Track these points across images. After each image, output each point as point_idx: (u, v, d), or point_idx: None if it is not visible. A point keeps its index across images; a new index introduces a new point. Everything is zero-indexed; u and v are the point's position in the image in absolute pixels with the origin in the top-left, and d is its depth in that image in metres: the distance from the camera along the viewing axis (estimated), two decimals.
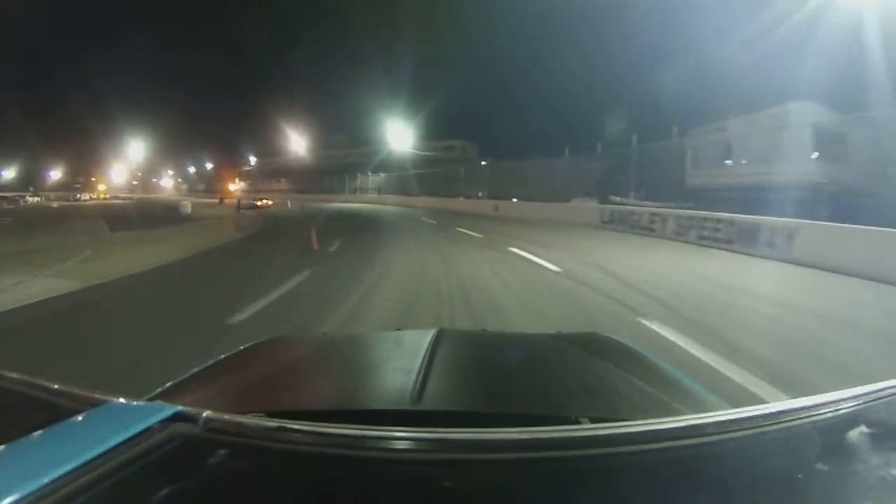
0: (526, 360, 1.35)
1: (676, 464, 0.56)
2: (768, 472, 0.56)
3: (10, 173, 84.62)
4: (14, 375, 0.71)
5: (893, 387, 0.68)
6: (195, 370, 1.18)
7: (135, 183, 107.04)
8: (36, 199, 60.66)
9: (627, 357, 1.38)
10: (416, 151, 42.53)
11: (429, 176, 35.80)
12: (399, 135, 43.53)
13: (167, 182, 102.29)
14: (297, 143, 61.99)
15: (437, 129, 45.33)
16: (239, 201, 34.40)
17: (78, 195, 70.41)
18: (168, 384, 1.05)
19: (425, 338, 1.25)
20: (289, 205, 38.41)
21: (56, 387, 0.68)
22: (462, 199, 29.97)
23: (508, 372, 1.22)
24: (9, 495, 0.42)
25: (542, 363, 1.34)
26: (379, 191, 42.59)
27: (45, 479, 0.44)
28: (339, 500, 0.52)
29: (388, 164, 43.08)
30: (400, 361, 1.21)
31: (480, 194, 28.78)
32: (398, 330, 2.07)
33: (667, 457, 0.57)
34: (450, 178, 32.21)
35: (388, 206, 36.66)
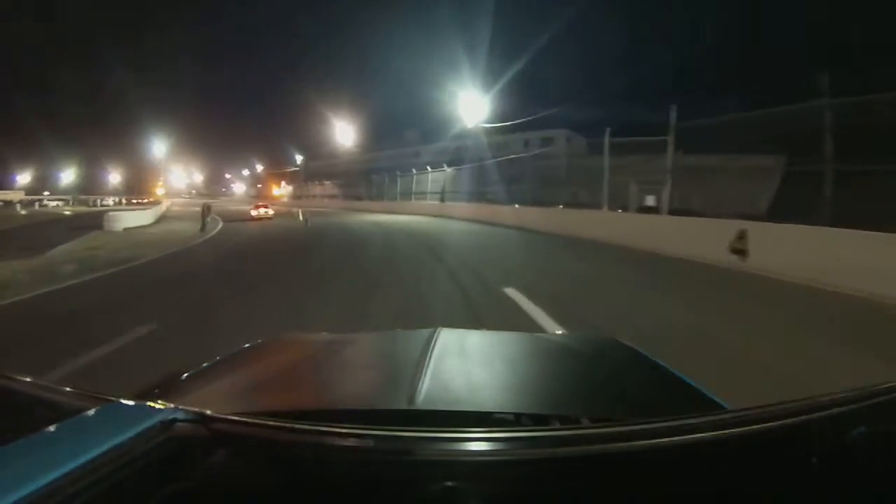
0: (526, 360, 1.37)
1: (676, 464, 0.57)
2: (768, 472, 0.56)
3: (68, 177, 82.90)
4: (14, 376, 0.72)
5: (893, 387, 0.68)
6: (195, 370, 1.21)
7: (194, 188, 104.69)
8: (56, 203, 55.31)
9: (628, 357, 1.41)
10: (495, 124, 27.08)
11: (522, 168, 20.54)
12: (473, 112, 28.39)
13: (239, 186, 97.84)
14: (346, 138, 49.42)
15: (523, 115, 29.76)
16: (205, 210, 21.74)
17: (98, 200, 63.90)
18: (168, 384, 1.09)
19: (425, 337, 1.28)
20: (300, 216, 24.69)
21: (56, 387, 0.70)
22: (589, 210, 14.38)
23: (509, 372, 1.23)
24: (9, 495, 0.43)
25: (543, 363, 1.34)
26: (442, 195, 27.61)
27: (45, 479, 0.45)
28: (339, 499, 0.53)
29: (458, 159, 28.10)
30: (400, 361, 1.28)
31: (651, 202, 12.71)
32: (398, 330, 2.13)
33: (667, 457, 0.58)
34: (564, 179, 16.62)
35: (456, 220, 21.91)
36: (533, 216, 17.46)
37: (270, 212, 27.56)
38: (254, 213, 27.12)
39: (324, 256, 11.49)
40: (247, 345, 1.51)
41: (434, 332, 1.33)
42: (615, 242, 11.59)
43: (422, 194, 30.35)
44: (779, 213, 8.80)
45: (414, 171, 31.46)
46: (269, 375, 1.22)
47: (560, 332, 1.82)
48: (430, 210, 27.73)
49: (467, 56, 28.51)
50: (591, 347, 1.52)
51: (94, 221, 20.84)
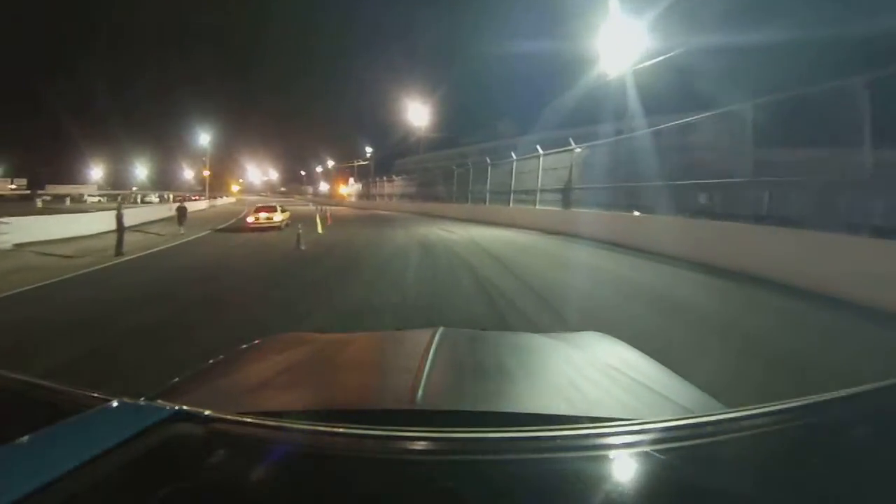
0: (526, 360, 1.37)
1: (676, 463, 0.58)
2: (768, 472, 0.57)
3: (142, 172, 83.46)
4: (14, 375, 0.73)
5: (893, 387, 0.70)
6: (195, 370, 1.23)
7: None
8: (99, 198, 52.11)
9: (627, 358, 1.41)
10: (654, 59, 15.45)
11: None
12: (615, 53, 16.74)
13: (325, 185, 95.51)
14: (424, 126, 39.75)
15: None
16: (120, 222, 13.04)
17: (139, 196, 60.86)
18: (168, 384, 1.09)
19: (426, 338, 1.29)
20: (318, 226, 14.56)
21: (56, 387, 0.71)
22: None
23: (508, 372, 1.23)
24: (9, 495, 0.43)
25: (543, 363, 1.35)
26: (565, 194, 16.12)
27: (45, 479, 0.46)
28: (339, 499, 0.53)
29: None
30: (400, 361, 1.27)
31: None
32: (399, 330, 2.13)
33: (666, 457, 0.58)
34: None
35: (591, 245, 10.75)
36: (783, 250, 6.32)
37: (277, 217, 18.46)
38: (250, 220, 18.48)
39: None
40: (246, 345, 1.51)
41: (434, 332, 1.34)
42: None
43: (527, 193, 19.09)
44: None
45: (513, 155, 20.23)
46: (269, 375, 1.20)
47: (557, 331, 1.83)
48: (542, 221, 16.53)
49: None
50: (589, 347, 1.51)
51: None
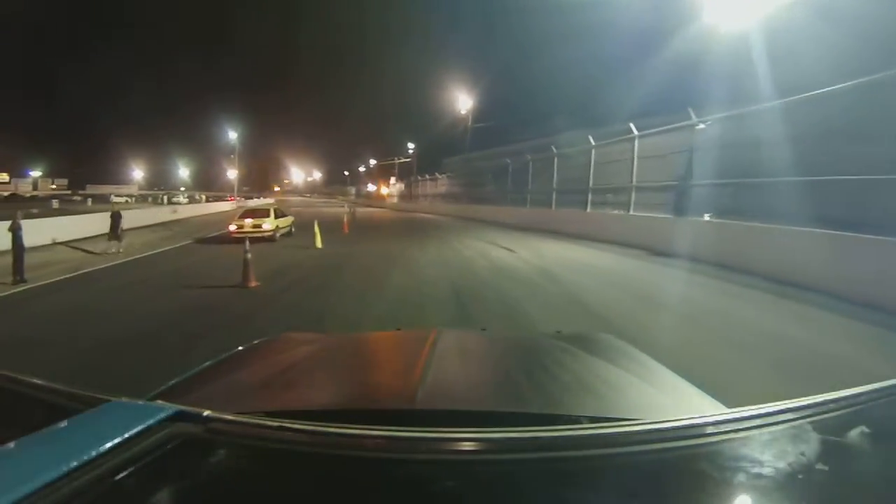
0: (526, 360, 1.38)
1: (676, 463, 0.59)
2: (768, 472, 0.57)
3: (184, 173, 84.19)
4: (14, 375, 0.73)
5: (893, 387, 0.69)
6: (195, 370, 1.21)
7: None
8: (126, 199, 51.43)
9: (627, 357, 1.41)
10: None
11: None
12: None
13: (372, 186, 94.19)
14: (469, 115, 35.17)
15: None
16: (14, 231, 8.82)
17: (165, 197, 59.24)
18: (168, 384, 1.07)
19: (425, 338, 1.32)
20: (316, 238, 10.15)
21: (56, 387, 0.71)
22: None
23: (508, 372, 1.25)
24: (9, 495, 0.44)
25: (542, 363, 1.35)
26: (680, 193, 10.89)
27: (45, 479, 0.46)
28: (339, 499, 0.54)
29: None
30: (400, 361, 1.35)
31: None
32: (398, 330, 2.18)
33: (666, 457, 0.59)
34: None
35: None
36: None
37: (268, 225, 14.23)
38: (232, 227, 14.38)
39: None
40: (247, 345, 1.51)
41: (434, 332, 1.36)
42: None
43: (614, 193, 13.99)
44: None
45: (592, 140, 15.08)
46: (269, 375, 1.20)
47: (557, 331, 1.82)
48: (641, 234, 11.51)
49: None
50: (591, 347, 1.49)
51: None
